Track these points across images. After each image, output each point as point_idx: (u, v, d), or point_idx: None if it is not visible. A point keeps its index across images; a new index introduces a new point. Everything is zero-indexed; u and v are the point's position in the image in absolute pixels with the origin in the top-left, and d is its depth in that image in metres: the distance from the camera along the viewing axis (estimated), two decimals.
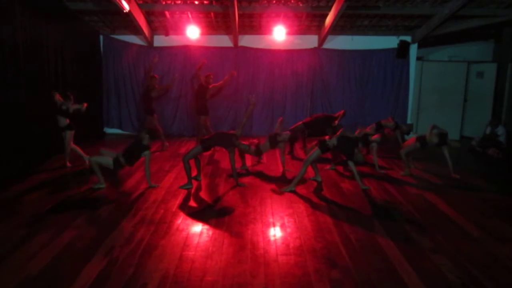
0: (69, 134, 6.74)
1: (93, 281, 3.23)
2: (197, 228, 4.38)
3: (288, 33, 9.67)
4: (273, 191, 5.69)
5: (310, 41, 10.20)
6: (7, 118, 5.77)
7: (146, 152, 5.76)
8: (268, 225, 4.47)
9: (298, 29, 9.90)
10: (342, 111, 8.17)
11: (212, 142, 6.06)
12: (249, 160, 7.26)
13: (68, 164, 6.80)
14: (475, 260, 3.70)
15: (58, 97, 6.63)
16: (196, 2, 8.36)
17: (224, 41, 10.11)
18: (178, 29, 9.67)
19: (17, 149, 6.07)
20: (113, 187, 5.76)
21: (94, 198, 5.30)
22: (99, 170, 5.59)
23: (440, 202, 5.35)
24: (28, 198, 5.23)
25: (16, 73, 6.01)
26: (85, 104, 6.87)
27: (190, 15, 9.18)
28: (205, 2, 8.34)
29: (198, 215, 4.75)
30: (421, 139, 6.56)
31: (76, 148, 6.94)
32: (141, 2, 8.36)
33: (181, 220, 4.60)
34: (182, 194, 5.53)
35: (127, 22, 9.12)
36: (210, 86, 8.17)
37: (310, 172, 6.28)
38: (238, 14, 8.53)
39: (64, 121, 6.68)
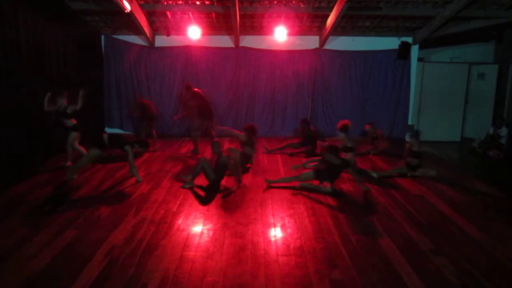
0: (74, 135, 6.70)
1: (93, 281, 3.23)
2: (198, 228, 4.38)
3: (289, 34, 9.67)
4: (267, 184, 5.72)
5: (311, 41, 10.21)
6: (9, 117, 5.77)
7: (127, 147, 5.96)
8: (268, 226, 4.48)
9: (299, 30, 9.91)
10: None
11: (222, 173, 5.96)
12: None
13: (69, 164, 6.80)
14: (475, 262, 3.70)
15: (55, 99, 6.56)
16: (198, 3, 8.38)
17: (225, 41, 10.11)
18: (180, 29, 9.68)
19: (18, 149, 6.07)
20: (113, 188, 5.77)
21: (94, 198, 5.31)
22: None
23: (440, 204, 5.35)
24: (29, 198, 5.23)
25: (18, 73, 6.01)
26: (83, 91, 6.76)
27: (191, 16, 9.20)
28: (206, 2, 8.36)
29: (198, 216, 4.76)
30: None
31: (80, 148, 6.89)
32: (142, 2, 8.37)
33: (182, 220, 4.60)
34: (182, 194, 5.54)
35: (128, 22, 9.13)
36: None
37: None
38: (240, 15, 8.54)
39: (70, 122, 6.63)
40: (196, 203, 5.21)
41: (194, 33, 9.32)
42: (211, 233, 4.24)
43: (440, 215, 4.93)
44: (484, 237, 4.28)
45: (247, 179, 6.35)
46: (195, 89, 8.09)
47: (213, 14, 9.00)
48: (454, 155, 8.55)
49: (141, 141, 6.50)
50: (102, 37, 9.98)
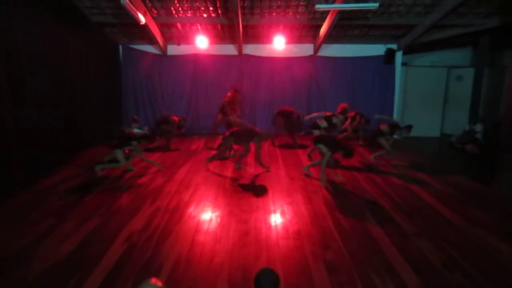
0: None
1: (115, 263, 3.27)
2: (207, 215, 4.41)
3: (287, 42, 9.65)
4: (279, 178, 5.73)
5: (307, 49, 10.18)
6: (38, 118, 5.78)
7: (133, 142, 6.06)
8: (269, 213, 4.50)
9: (296, 39, 9.88)
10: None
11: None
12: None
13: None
14: (453, 243, 3.71)
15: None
16: (205, 15, 8.36)
17: (229, 49, 10.10)
18: (189, 39, 9.67)
19: (47, 146, 6.07)
20: (132, 181, 5.79)
21: (115, 190, 5.33)
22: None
23: (422, 192, 5.35)
24: (57, 190, 5.27)
25: (44, 79, 6.03)
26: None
27: (199, 27, 9.19)
28: (212, 15, 8.34)
29: (207, 204, 4.78)
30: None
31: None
32: (155, 15, 8.37)
33: (193, 208, 4.63)
34: (193, 185, 5.56)
35: (143, 33, 9.13)
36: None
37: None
38: (242, 25, 8.53)
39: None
40: (205, 193, 5.23)
41: (202, 42, 9.31)
42: (219, 220, 4.27)
43: (423, 203, 4.93)
44: (462, 221, 4.29)
45: (249, 172, 6.37)
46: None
47: (219, 25, 8.98)
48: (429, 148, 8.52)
49: (146, 136, 6.45)
50: (120, 46, 9.98)
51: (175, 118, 8.42)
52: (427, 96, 10.47)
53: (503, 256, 3.48)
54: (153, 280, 2.03)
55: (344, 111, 7.78)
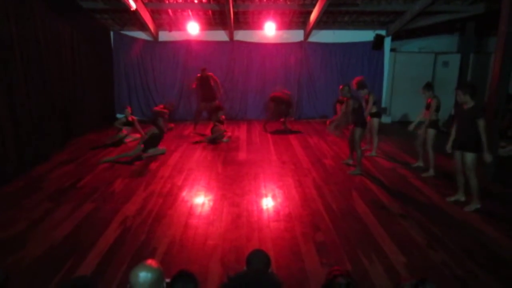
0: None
1: (110, 246, 3.25)
2: (200, 199, 4.40)
3: (277, 28, 9.51)
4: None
5: (297, 35, 10.05)
6: (30, 105, 5.64)
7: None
8: (261, 196, 4.50)
9: (286, 25, 9.74)
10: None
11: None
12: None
13: None
14: (438, 223, 3.76)
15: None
16: (196, 1, 8.17)
17: (221, 36, 9.93)
18: (180, 25, 9.47)
19: (40, 133, 5.96)
20: (125, 166, 5.74)
21: (109, 175, 5.28)
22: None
23: (409, 175, 5.40)
24: (51, 176, 5.20)
25: (38, 66, 5.87)
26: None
27: (190, 13, 8.99)
28: (203, 1, 8.15)
29: (200, 189, 4.76)
30: None
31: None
32: (146, 1, 8.15)
33: (186, 192, 4.61)
34: (186, 170, 5.53)
35: (134, 19, 8.92)
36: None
37: (302, 154, 6.27)
38: (233, 12, 8.37)
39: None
40: (198, 177, 5.21)
41: (193, 28, 9.13)
42: (211, 203, 4.26)
43: (409, 185, 4.98)
44: (445, 203, 4.34)
45: (241, 156, 6.35)
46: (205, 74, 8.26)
47: (210, 11, 8.79)
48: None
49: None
50: (111, 32, 9.75)
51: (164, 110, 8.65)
52: (415, 81, 10.42)
53: (485, 235, 3.54)
54: (149, 261, 2.02)
55: (361, 85, 6.69)
